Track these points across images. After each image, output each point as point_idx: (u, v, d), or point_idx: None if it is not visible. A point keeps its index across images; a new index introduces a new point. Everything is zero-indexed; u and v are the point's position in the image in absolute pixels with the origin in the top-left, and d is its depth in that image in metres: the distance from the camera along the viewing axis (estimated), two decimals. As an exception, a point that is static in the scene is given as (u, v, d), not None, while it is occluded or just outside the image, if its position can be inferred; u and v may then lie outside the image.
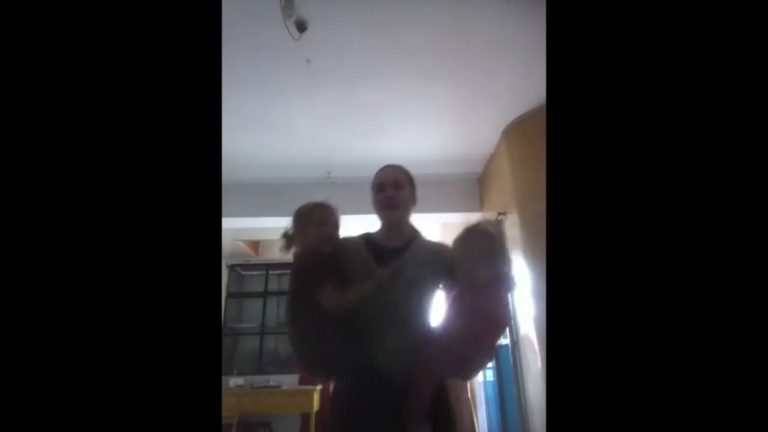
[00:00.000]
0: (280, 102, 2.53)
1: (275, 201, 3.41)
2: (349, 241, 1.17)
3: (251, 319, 4.64)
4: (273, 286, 4.50)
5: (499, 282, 1.03)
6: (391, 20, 1.94)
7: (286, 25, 1.88)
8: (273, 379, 3.87)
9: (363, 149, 3.09)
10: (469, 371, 1.10)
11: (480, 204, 3.49)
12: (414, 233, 1.18)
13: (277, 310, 4.37)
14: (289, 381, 3.83)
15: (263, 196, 3.48)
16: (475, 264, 1.02)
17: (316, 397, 3.62)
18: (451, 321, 1.04)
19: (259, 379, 3.91)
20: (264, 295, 4.52)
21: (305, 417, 3.65)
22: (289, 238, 1.14)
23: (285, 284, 4.08)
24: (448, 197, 3.50)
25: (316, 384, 3.64)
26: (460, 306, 1.04)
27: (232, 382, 3.85)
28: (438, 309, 1.13)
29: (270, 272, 4.52)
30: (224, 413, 3.26)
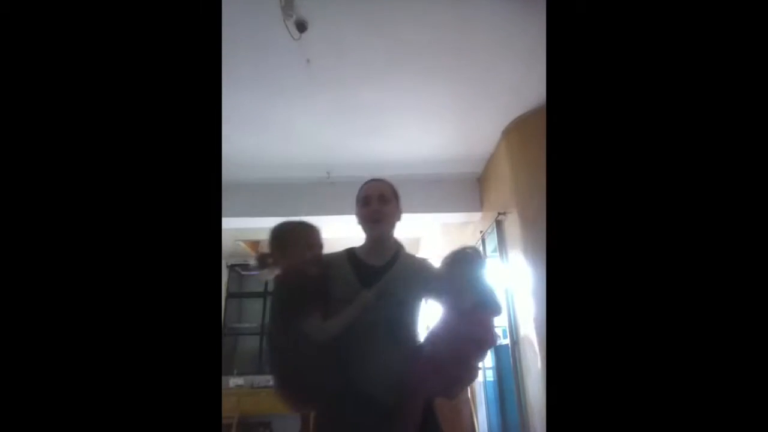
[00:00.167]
0: (280, 102, 2.53)
1: (275, 201, 3.41)
2: (332, 257, 1.15)
3: (251, 319, 4.64)
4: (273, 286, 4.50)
5: (485, 307, 1.06)
6: (391, 20, 1.94)
7: (286, 25, 1.88)
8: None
9: (363, 149, 3.09)
10: (456, 390, 1.12)
11: (480, 204, 3.49)
12: (397, 247, 1.18)
13: (277, 310, 4.37)
14: (289, 381, 3.81)
15: (263, 196, 3.48)
16: (459, 290, 1.06)
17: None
18: (437, 344, 1.07)
19: (259, 379, 3.91)
20: (264, 295, 4.52)
21: (305, 417, 3.64)
22: (264, 258, 1.09)
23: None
24: (448, 197, 3.50)
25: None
26: (445, 331, 1.08)
27: (232, 382, 3.85)
28: (423, 327, 1.15)
29: (270, 272, 4.52)
30: (224, 413, 3.26)
